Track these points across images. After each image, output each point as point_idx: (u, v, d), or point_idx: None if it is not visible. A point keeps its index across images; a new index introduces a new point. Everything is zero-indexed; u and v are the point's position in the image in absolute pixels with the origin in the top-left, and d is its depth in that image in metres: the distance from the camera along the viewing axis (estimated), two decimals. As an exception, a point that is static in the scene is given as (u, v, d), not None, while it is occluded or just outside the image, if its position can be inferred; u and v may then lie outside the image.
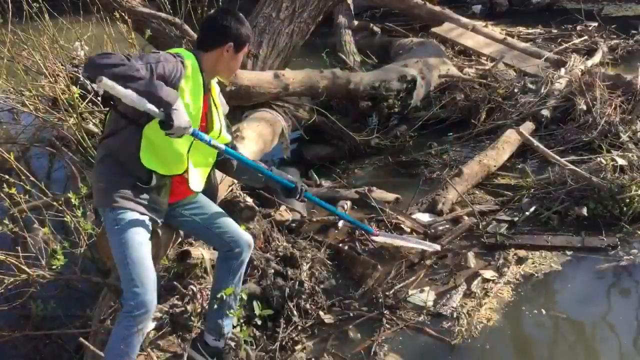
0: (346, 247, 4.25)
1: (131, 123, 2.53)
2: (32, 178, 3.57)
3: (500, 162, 5.27)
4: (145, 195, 2.59)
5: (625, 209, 4.34)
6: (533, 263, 4.03)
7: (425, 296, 3.73)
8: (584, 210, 4.37)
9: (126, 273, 2.52)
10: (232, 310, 2.92)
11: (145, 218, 2.59)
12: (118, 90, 2.32)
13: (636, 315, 3.64)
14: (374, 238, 4.02)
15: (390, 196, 4.98)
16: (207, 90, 2.72)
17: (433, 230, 4.37)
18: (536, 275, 3.90)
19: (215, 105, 2.82)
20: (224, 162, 2.94)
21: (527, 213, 4.50)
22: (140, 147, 2.53)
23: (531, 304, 3.66)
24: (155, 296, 2.56)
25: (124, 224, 2.54)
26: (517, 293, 3.76)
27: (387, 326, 3.50)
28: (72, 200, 3.26)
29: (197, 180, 2.75)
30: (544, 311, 3.58)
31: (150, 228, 2.64)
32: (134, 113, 2.47)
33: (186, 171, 2.69)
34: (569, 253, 4.08)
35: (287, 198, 3.63)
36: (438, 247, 4.05)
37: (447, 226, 4.45)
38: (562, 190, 4.56)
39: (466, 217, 4.53)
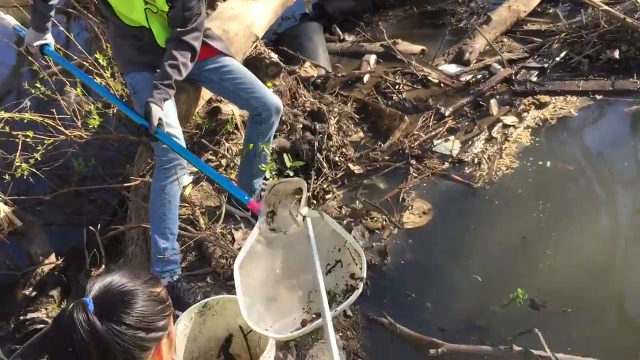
0: (372, 101, 4.26)
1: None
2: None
3: (530, 8, 5.05)
4: (148, 56, 2.60)
5: (658, 50, 4.21)
6: (554, 108, 4.01)
7: (450, 145, 3.79)
8: (616, 53, 4.24)
9: None
10: (262, 165, 2.99)
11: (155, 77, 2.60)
12: None
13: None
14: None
15: (416, 48, 4.88)
16: None
17: (462, 81, 4.33)
18: (551, 121, 3.90)
19: None
20: None
21: (557, 59, 4.39)
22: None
23: (548, 150, 3.70)
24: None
25: (138, 87, 2.59)
26: (536, 138, 3.79)
27: (414, 175, 3.60)
28: (100, 61, 3.26)
29: (161, 35, 2.61)
30: (562, 157, 3.61)
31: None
32: None
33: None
34: (598, 97, 4.03)
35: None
36: None
37: (479, 76, 4.39)
38: (594, 33, 4.40)
39: (497, 65, 4.44)
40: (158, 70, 2.52)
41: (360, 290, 1.88)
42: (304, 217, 2.01)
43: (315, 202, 3.42)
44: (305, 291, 2.00)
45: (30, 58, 3.14)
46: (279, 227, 2.04)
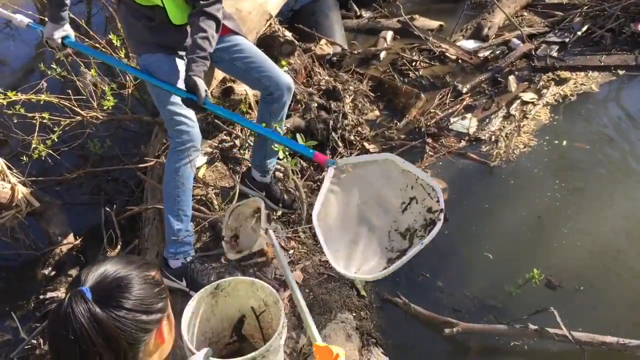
0: (389, 78, 4.21)
1: None
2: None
3: (552, -20, 4.94)
4: (161, 37, 2.58)
5: (685, 23, 4.10)
6: (575, 84, 3.93)
7: (467, 123, 3.74)
8: (640, 27, 4.14)
9: (165, 113, 2.57)
10: (275, 145, 2.96)
11: (169, 57, 2.59)
12: None
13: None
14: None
15: (434, 23, 4.80)
16: None
17: (480, 57, 4.25)
18: (571, 97, 3.82)
19: None
20: None
21: (578, 33, 4.29)
22: None
23: (567, 128, 3.63)
24: (198, 129, 2.63)
25: (152, 68, 2.57)
26: (555, 115, 3.72)
27: (430, 153, 3.57)
28: (114, 41, 3.26)
29: (175, 13, 2.57)
30: (580, 135, 3.55)
31: (180, 67, 2.64)
32: None
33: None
34: (621, 72, 3.94)
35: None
36: None
37: (497, 52, 4.31)
38: (617, 6, 4.29)
39: (516, 40, 4.35)
40: (170, 51, 2.50)
41: (442, 221, 1.94)
42: (266, 230, 2.08)
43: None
44: (385, 231, 2.06)
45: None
46: (243, 248, 2.11)
